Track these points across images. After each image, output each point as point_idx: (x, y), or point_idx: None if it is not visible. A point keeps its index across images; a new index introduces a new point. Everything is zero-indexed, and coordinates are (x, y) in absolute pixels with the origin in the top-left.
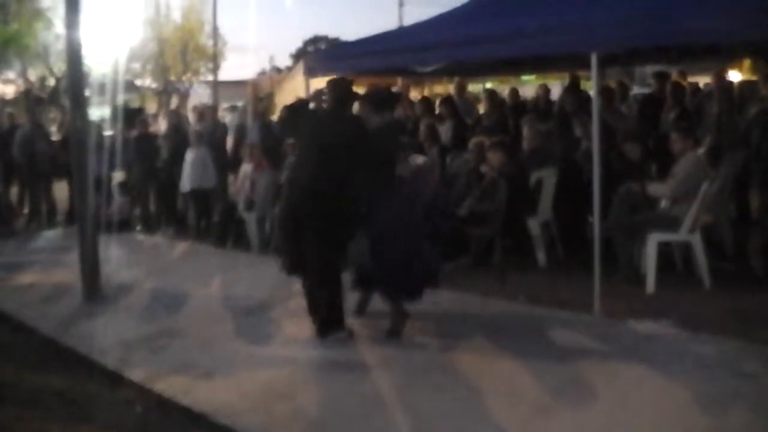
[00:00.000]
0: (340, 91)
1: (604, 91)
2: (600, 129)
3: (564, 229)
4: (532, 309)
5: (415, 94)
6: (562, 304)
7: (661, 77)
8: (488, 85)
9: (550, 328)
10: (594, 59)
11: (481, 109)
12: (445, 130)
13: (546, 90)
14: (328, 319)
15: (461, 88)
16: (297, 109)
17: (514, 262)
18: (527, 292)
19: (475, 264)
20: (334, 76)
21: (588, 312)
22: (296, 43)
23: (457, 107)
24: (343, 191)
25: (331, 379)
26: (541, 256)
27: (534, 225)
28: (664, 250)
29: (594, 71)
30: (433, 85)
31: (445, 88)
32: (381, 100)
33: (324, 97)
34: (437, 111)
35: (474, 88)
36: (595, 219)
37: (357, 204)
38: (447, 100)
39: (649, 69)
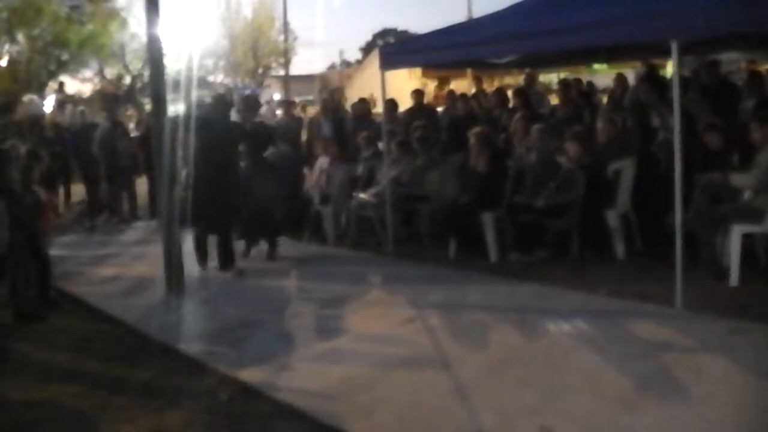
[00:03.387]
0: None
1: (682, 80)
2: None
3: (643, 221)
4: (611, 302)
5: (485, 86)
6: (643, 297)
7: (714, 65)
8: (560, 76)
9: (631, 322)
10: (674, 47)
11: (553, 99)
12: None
13: (623, 80)
14: (226, 260)
15: (532, 80)
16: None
17: (592, 255)
18: (606, 285)
19: (552, 256)
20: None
21: (670, 305)
22: (365, 37)
23: (529, 99)
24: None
25: (412, 371)
26: (620, 249)
27: (612, 217)
28: (747, 242)
29: (674, 59)
30: (504, 76)
31: (515, 79)
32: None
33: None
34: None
35: (544, 78)
36: (677, 210)
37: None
38: (519, 91)
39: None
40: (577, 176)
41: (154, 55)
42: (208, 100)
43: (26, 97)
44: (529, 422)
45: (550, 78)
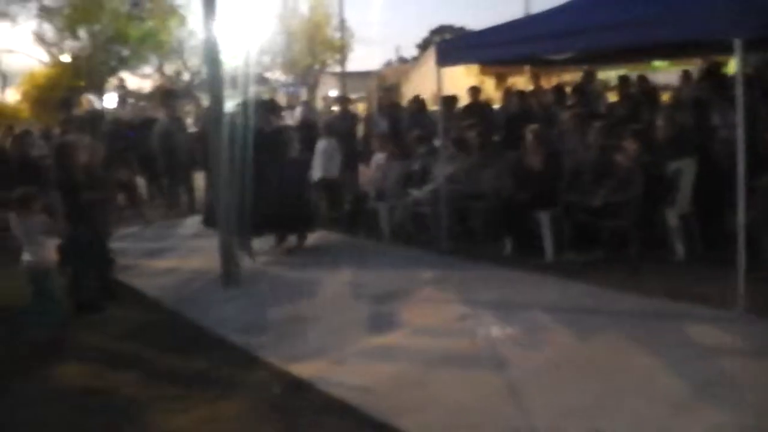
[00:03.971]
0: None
1: (746, 78)
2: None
3: (703, 222)
4: (669, 304)
5: (543, 83)
6: (703, 299)
7: None
8: (620, 73)
9: (690, 324)
10: (738, 45)
11: (611, 97)
12: None
13: (689, 77)
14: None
15: (590, 76)
16: None
17: (649, 256)
18: (664, 286)
19: (608, 257)
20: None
21: (730, 308)
22: (422, 33)
23: (586, 96)
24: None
25: (464, 369)
26: (679, 250)
27: (672, 216)
28: None
29: (738, 57)
30: (563, 73)
31: (574, 76)
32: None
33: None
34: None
35: (603, 75)
36: (739, 210)
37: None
38: (577, 89)
39: None
40: (635, 175)
41: (210, 52)
42: (265, 96)
43: (84, 98)
44: (580, 425)
45: (609, 75)
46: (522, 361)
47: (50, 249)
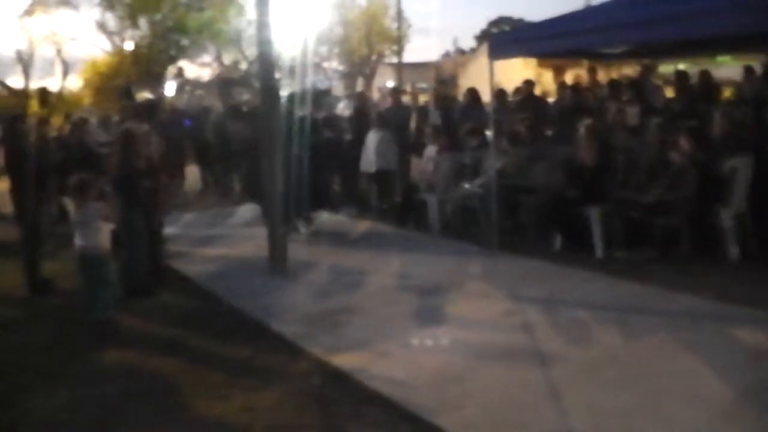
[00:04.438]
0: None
1: None
2: None
3: (758, 222)
4: (719, 306)
5: (602, 77)
6: (754, 302)
7: None
8: (680, 67)
9: (739, 328)
10: None
11: (671, 92)
12: (632, 115)
13: (752, 72)
14: None
15: (648, 71)
16: None
17: (701, 256)
18: (715, 287)
19: (659, 255)
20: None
21: None
22: (480, 25)
23: (643, 91)
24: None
25: (506, 366)
26: (733, 250)
27: (726, 216)
28: None
29: None
30: (622, 67)
31: (634, 70)
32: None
33: None
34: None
35: (665, 69)
36: None
37: None
38: (633, 83)
39: None
40: (689, 173)
41: (263, 42)
42: (322, 85)
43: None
44: (621, 426)
45: (670, 69)
46: (565, 360)
47: (105, 235)
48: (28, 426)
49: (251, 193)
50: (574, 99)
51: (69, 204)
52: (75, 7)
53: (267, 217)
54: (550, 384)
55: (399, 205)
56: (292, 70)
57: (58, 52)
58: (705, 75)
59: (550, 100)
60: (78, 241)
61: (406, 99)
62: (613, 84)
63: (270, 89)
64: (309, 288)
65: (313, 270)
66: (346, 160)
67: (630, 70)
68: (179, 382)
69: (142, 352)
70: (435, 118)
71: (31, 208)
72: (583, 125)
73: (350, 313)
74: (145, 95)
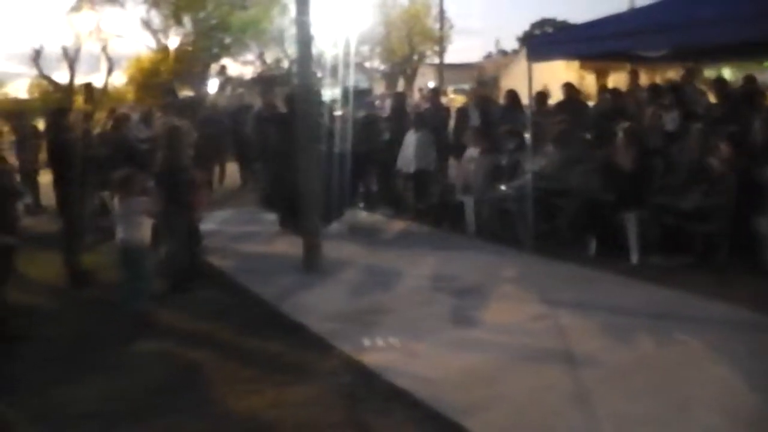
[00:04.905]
0: None
1: None
2: None
3: None
4: (756, 315)
5: (645, 80)
6: None
7: None
8: (726, 71)
9: None
10: None
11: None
12: (670, 120)
13: None
14: None
15: (691, 75)
16: None
17: (739, 264)
18: (752, 296)
19: (696, 262)
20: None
21: None
22: (523, 26)
23: (684, 95)
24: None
25: (535, 369)
26: None
27: (765, 224)
28: None
29: None
30: (666, 70)
31: (678, 73)
32: None
33: None
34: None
35: (711, 74)
36: None
37: None
38: (673, 87)
39: None
40: (728, 179)
41: (302, 41)
42: (363, 85)
43: (182, 92)
44: None
45: (714, 74)
46: (596, 365)
47: (147, 229)
48: (64, 415)
49: (269, 201)
50: (614, 103)
51: (109, 198)
52: (121, 4)
53: (284, 227)
54: (579, 389)
55: (435, 206)
56: (333, 69)
57: (104, 48)
58: (749, 80)
59: (591, 103)
60: (120, 234)
61: (445, 100)
62: (654, 88)
63: (307, 88)
64: (342, 286)
65: (347, 269)
66: (384, 160)
67: (674, 74)
68: (211, 376)
69: (177, 344)
70: (474, 119)
71: (73, 202)
72: (622, 129)
73: (382, 312)
74: (187, 92)
